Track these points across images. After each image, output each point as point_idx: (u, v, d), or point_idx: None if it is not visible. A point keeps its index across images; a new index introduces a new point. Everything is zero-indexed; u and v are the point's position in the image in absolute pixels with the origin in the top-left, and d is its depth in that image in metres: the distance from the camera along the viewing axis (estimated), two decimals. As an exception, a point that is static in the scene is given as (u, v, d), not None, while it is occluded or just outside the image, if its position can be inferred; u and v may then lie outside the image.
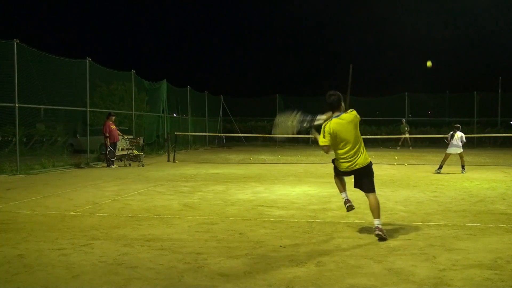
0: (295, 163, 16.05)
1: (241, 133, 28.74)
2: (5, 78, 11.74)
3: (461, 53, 58.28)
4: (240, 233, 5.45)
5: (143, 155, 15.23)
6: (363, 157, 5.32)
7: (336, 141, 5.22)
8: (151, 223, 5.99)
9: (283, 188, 9.37)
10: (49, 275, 3.94)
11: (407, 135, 24.89)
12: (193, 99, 25.41)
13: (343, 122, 5.18)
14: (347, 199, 5.59)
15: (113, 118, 14.86)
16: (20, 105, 11.88)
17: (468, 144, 27.24)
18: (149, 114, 20.42)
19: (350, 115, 5.22)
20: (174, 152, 17.12)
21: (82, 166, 14.25)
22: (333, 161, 5.61)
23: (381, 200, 7.79)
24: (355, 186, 5.55)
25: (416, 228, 5.71)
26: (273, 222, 6.06)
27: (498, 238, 5.24)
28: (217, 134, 28.52)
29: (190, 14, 74.47)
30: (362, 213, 6.67)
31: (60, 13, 59.69)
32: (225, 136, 28.75)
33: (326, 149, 5.31)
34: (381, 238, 5.08)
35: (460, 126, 12.72)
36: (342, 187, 5.66)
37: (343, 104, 5.26)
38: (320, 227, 5.76)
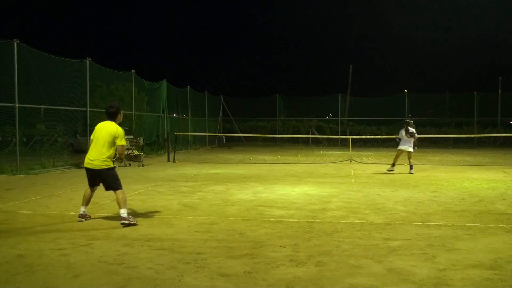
0: (295, 163, 16.05)
1: (241, 133, 28.75)
2: (5, 78, 11.73)
3: (461, 53, 58.38)
4: (240, 233, 5.45)
5: (143, 155, 15.23)
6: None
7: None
8: (151, 223, 5.99)
9: (283, 188, 9.37)
10: (49, 275, 3.94)
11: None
12: (193, 99, 25.41)
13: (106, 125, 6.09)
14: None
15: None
16: (20, 105, 11.87)
17: (468, 144, 27.43)
18: (149, 114, 20.42)
19: (114, 127, 6.07)
20: (174, 152, 17.12)
21: (82, 166, 14.20)
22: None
23: (381, 200, 7.86)
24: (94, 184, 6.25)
25: (416, 228, 5.71)
26: (273, 222, 6.06)
27: (498, 238, 5.24)
28: (217, 134, 28.52)
29: (190, 14, 74.51)
30: (362, 213, 6.68)
31: (60, 13, 59.74)
32: (225, 136, 28.75)
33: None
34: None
35: (412, 121, 12.73)
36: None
37: (119, 116, 6.25)
38: (320, 227, 5.76)
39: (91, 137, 6.15)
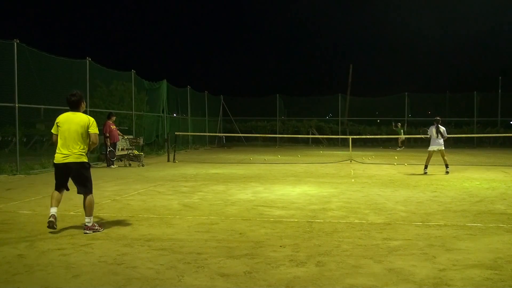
0: (295, 163, 16.05)
1: (241, 133, 28.75)
2: (5, 78, 11.73)
3: (461, 53, 58.39)
4: (240, 233, 5.45)
5: (143, 155, 15.22)
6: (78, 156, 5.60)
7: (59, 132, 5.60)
8: (151, 223, 5.99)
9: (283, 188, 9.37)
10: (49, 275, 3.94)
11: (401, 136, 25.16)
12: (193, 99, 25.40)
13: (72, 117, 5.61)
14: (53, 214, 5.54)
15: (114, 118, 14.86)
16: (20, 105, 11.87)
17: (468, 144, 27.42)
18: (149, 114, 20.42)
19: (85, 117, 5.64)
20: (174, 152, 17.11)
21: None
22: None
23: (381, 200, 7.86)
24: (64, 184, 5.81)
25: (416, 228, 5.71)
26: (273, 222, 6.06)
27: (498, 238, 5.24)
28: (217, 134, 28.52)
29: (190, 14, 74.52)
30: (362, 213, 6.68)
31: (60, 13, 59.75)
32: (225, 136, 28.75)
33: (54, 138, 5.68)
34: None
35: (440, 119, 12.30)
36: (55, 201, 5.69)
37: (83, 105, 5.75)
38: (320, 227, 5.76)
39: (54, 131, 5.63)
